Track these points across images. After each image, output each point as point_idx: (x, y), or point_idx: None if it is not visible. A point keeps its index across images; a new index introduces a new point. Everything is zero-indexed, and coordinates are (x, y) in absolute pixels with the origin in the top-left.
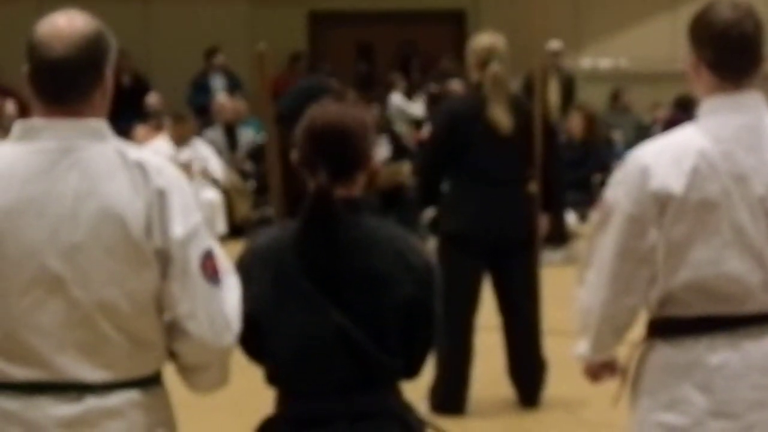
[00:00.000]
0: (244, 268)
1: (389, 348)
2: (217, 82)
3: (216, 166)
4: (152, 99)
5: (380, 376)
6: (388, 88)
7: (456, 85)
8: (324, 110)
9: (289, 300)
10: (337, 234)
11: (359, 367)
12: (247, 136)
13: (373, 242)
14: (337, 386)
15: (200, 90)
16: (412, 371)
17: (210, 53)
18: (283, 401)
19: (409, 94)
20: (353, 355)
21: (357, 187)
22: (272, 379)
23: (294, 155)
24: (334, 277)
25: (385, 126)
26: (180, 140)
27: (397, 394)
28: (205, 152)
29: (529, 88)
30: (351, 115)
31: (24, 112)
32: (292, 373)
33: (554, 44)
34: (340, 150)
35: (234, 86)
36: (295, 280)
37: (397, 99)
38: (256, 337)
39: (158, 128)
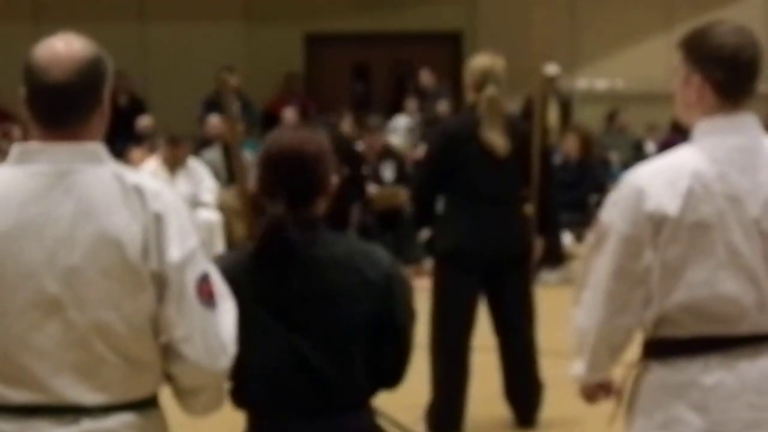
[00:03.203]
0: None
1: (351, 369)
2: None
3: (210, 186)
4: (144, 122)
5: (343, 400)
6: (395, 110)
7: (442, 107)
8: (279, 137)
9: (246, 325)
10: (292, 258)
11: (320, 391)
12: (246, 157)
13: (330, 261)
14: (299, 410)
15: (213, 111)
16: (388, 382)
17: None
18: (250, 425)
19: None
20: (312, 380)
21: (317, 211)
22: (237, 403)
23: (254, 183)
24: (289, 301)
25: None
26: (174, 163)
27: (364, 416)
28: (200, 174)
29: (527, 111)
30: (307, 140)
31: (27, 136)
32: (255, 397)
33: (551, 69)
34: (297, 176)
35: (246, 107)
36: (249, 306)
37: (401, 121)
38: None
39: (152, 150)
